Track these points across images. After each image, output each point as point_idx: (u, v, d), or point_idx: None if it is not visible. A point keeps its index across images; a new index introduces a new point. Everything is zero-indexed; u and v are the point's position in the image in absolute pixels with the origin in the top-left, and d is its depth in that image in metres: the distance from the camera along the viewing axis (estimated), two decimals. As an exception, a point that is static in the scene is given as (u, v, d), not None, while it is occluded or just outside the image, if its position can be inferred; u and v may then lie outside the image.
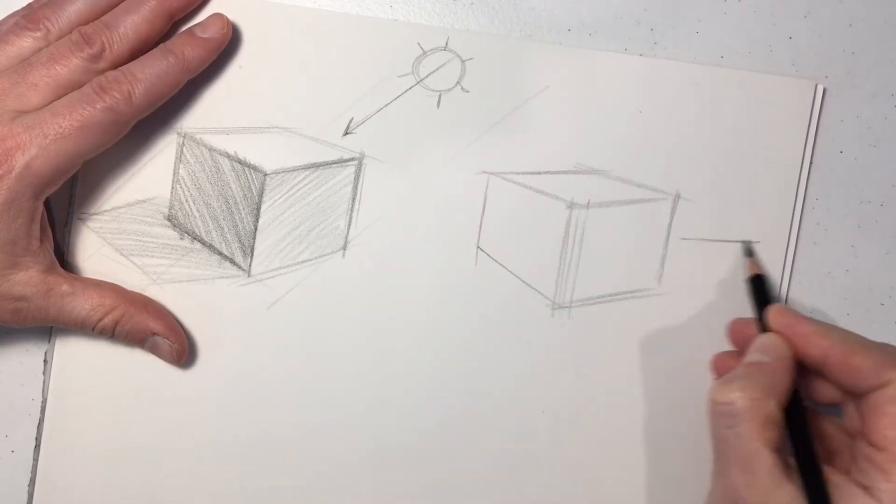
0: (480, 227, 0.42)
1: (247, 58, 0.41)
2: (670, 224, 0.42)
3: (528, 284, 0.42)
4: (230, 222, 0.42)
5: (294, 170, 0.42)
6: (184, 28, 0.41)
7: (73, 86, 0.38)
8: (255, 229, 0.42)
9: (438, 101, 0.42)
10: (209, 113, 0.42)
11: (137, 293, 0.41)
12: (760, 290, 0.40)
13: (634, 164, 0.42)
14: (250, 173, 0.42)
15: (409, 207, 0.42)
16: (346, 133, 0.42)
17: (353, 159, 0.42)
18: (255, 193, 0.42)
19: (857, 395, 0.36)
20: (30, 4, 0.40)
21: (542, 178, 0.42)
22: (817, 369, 0.37)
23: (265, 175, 0.41)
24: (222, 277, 0.42)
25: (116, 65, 0.39)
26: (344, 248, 0.42)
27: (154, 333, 0.41)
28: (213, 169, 0.41)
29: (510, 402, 0.42)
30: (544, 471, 0.43)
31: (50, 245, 0.40)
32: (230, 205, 0.42)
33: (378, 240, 0.42)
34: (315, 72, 0.42)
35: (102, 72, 0.38)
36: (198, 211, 0.42)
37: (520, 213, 0.42)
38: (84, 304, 0.39)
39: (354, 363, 0.42)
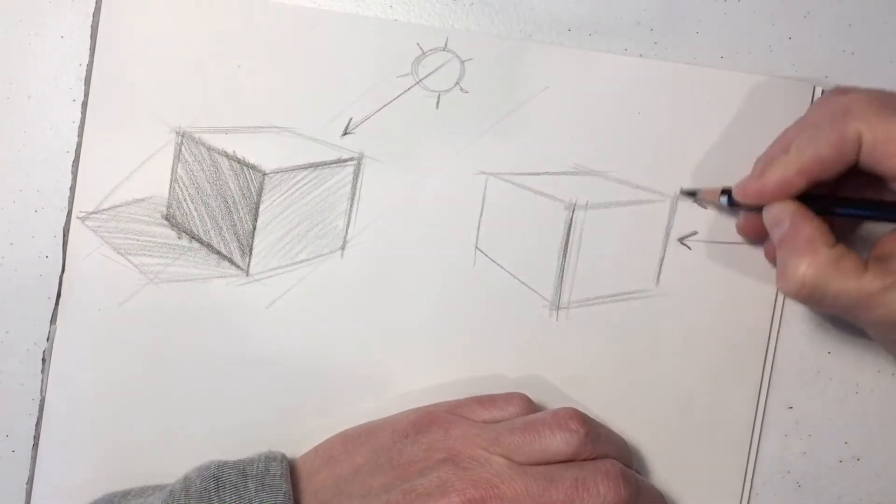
0: (479, 227, 0.42)
1: (246, 57, 0.41)
2: (669, 225, 0.42)
3: (526, 285, 0.42)
4: (228, 221, 0.42)
5: (293, 169, 0.42)
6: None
7: None
8: (254, 229, 0.42)
9: (437, 102, 0.42)
10: (208, 112, 0.41)
11: None
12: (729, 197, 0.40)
13: (633, 166, 0.42)
14: (249, 173, 0.42)
15: (408, 208, 0.42)
16: (345, 133, 0.42)
17: (351, 159, 0.42)
18: (253, 193, 0.42)
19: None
20: (580, 415, 0.38)
21: (540, 178, 0.42)
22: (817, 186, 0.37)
23: (264, 174, 0.41)
24: (220, 277, 0.42)
25: None
26: (342, 248, 0.42)
27: None
28: (211, 168, 0.41)
29: (508, 402, 0.42)
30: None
31: None
32: (228, 204, 0.42)
33: (377, 240, 0.42)
34: (314, 71, 0.42)
35: None
36: (196, 210, 0.42)
37: (518, 214, 0.42)
38: None
39: (352, 363, 0.42)
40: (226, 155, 0.42)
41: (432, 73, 0.42)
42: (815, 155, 0.35)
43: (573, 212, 0.42)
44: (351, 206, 0.42)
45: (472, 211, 0.42)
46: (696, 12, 0.43)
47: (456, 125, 0.42)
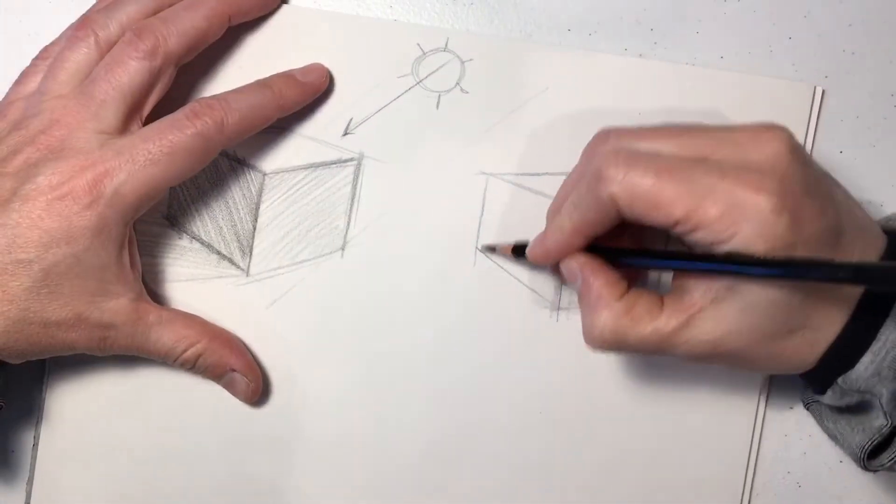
0: (479, 228, 0.42)
1: (247, 58, 0.41)
2: None
3: (526, 286, 0.42)
4: (229, 222, 0.42)
5: (293, 169, 0.42)
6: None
7: (141, 90, 0.37)
8: (254, 229, 0.42)
9: (438, 102, 0.42)
10: (208, 112, 0.41)
11: (220, 328, 0.41)
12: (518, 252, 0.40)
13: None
14: (249, 173, 0.42)
15: (408, 208, 0.42)
16: (346, 133, 0.42)
17: (352, 159, 0.42)
18: (254, 193, 0.42)
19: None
20: (82, 14, 0.40)
21: (541, 179, 0.42)
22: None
23: (264, 175, 0.41)
24: (221, 277, 0.42)
25: (174, 61, 0.38)
26: (343, 248, 0.42)
27: (233, 370, 0.41)
28: (211, 168, 0.41)
29: (509, 402, 0.42)
30: (543, 472, 0.43)
31: (139, 273, 0.39)
32: (229, 204, 0.42)
33: (377, 240, 0.42)
34: (314, 72, 0.42)
35: (160, 72, 0.38)
36: (196, 210, 0.42)
37: (519, 215, 0.42)
38: (169, 336, 0.39)
39: (352, 363, 0.42)
40: (226, 155, 0.42)
41: (433, 73, 0.42)
42: (582, 218, 0.36)
43: None
44: (351, 206, 0.42)
45: (473, 211, 0.42)
46: (696, 12, 0.43)
47: (456, 125, 0.42)
